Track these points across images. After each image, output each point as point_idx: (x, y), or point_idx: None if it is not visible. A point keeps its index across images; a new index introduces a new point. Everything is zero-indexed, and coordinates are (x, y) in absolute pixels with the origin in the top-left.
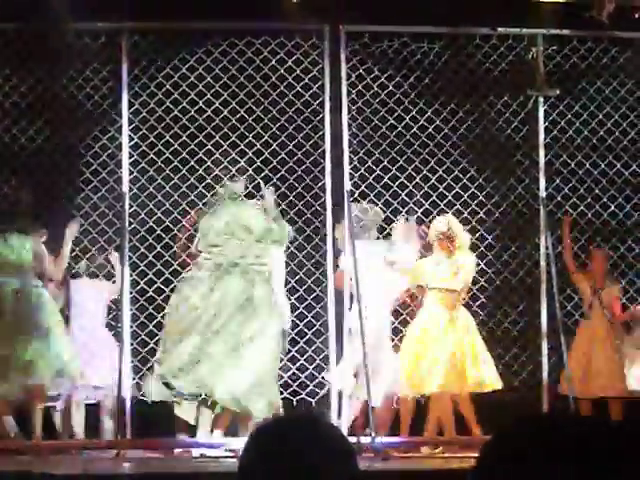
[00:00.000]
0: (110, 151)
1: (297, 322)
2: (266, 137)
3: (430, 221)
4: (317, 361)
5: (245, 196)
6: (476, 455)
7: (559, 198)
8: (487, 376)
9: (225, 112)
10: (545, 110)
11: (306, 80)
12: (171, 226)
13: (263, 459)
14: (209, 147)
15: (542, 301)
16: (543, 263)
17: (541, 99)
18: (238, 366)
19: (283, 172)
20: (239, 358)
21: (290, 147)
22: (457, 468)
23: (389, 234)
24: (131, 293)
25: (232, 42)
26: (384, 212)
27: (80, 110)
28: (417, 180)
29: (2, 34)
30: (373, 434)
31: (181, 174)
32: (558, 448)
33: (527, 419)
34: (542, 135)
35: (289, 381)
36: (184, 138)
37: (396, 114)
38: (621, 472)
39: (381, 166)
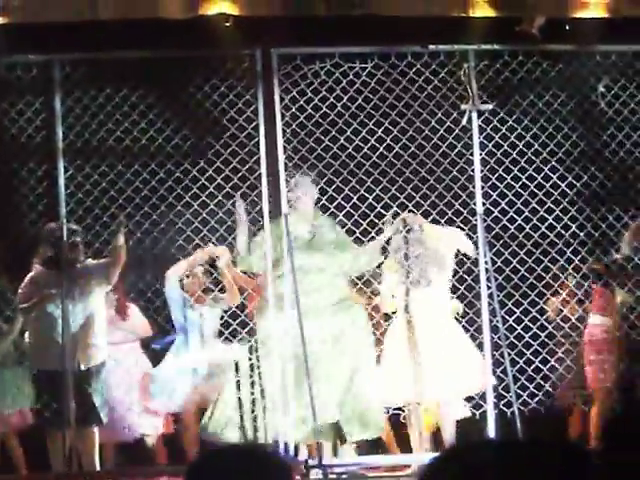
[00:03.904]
0: (46, 184)
1: None
2: (202, 163)
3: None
4: None
5: None
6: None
7: (496, 213)
8: None
9: (160, 139)
10: (479, 125)
11: (240, 105)
12: None
13: None
14: (144, 175)
15: (484, 316)
16: (483, 278)
17: (475, 114)
18: None
19: (220, 197)
20: None
21: (226, 172)
22: None
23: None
24: None
25: (165, 69)
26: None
27: (14, 143)
28: (354, 200)
29: None
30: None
31: (117, 204)
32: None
33: (466, 444)
34: (477, 150)
35: None
36: (120, 167)
37: (331, 135)
38: None
39: (318, 187)
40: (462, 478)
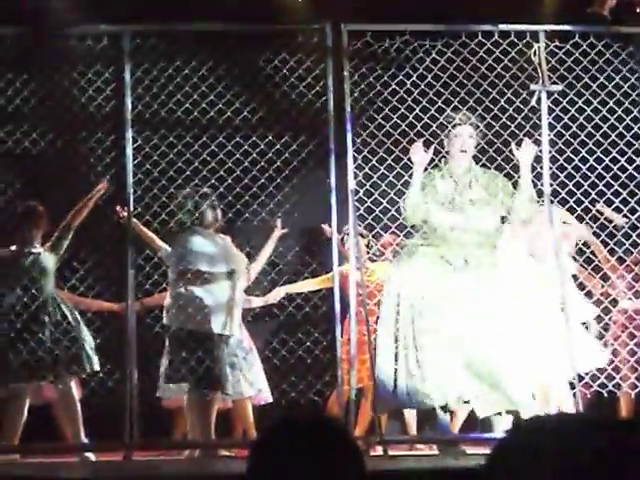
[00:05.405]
0: (114, 154)
1: None
2: (270, 137)
3: None
4: None
5: None
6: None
7: (563, 194)
8: None
9: (228, 112)
10: (548, 106)
11: (309, 80)
12: None
13: (272, 460)
14: (212, 147)
15: None
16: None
17: (544, 95)
18: None
19: (287, 172)
20: None
21: (294, 147)
22: (466, 466)
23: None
24: None
25: (234, 43)
26: (388, 211)
27: (83, 112)
28: None
29: (3, 38)
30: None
31: (185, 175)
32: (573, 445)
33: (540, 416)
34: (546, 131)
35: None
36: (187, 139)
37: (399, 112)
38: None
39: (385, 164)
40: (525, 454)
